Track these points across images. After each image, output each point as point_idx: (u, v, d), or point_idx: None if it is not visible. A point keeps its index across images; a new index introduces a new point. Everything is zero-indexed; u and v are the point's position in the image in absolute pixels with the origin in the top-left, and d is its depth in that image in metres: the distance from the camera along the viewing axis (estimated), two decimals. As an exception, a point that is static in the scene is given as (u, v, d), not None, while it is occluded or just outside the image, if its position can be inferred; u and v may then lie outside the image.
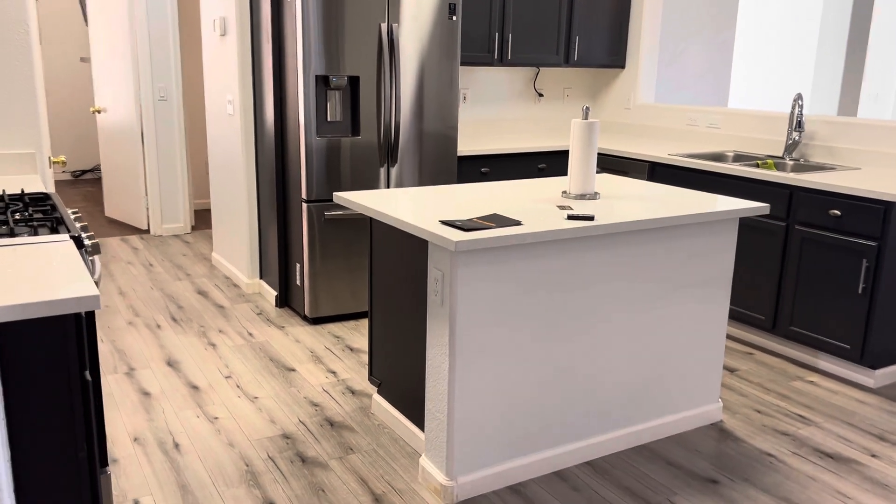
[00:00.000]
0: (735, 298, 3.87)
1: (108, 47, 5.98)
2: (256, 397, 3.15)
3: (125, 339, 3.75)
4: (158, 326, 3.94)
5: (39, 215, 2.23)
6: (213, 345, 3.71)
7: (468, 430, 2.39)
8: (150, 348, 3.64)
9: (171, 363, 3.47)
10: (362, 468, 2.62)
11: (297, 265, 4.06)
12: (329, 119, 3.85)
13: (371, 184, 3.99)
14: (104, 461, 2.18)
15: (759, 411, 3.12)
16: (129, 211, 6.20)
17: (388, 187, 4.07)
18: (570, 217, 2.46)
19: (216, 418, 2.96)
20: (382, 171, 4.01)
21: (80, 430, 1.63)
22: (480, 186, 3.05)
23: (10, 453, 1.55)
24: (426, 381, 2.50)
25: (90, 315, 2.05)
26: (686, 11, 5.46)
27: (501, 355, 2.40)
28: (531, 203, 2.72)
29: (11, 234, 1.98)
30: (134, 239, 5.81)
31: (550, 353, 2.50)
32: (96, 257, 2.14)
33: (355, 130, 3.91)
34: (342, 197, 2.77)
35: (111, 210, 6.47)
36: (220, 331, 3.90)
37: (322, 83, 3.78)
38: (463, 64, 4.56)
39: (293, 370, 3.43)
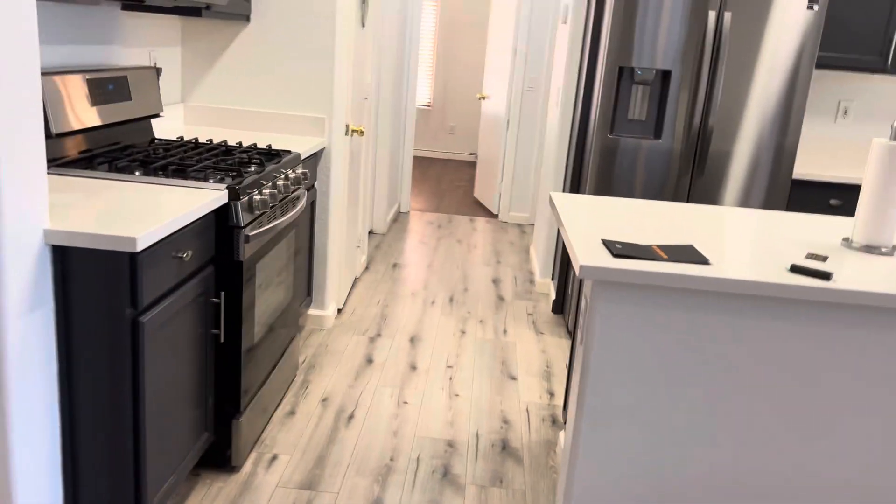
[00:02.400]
0: None
1: (499, 36, 6.28)
2: (457, 395, 2.98)
3: (396, 307, 3.91)
4: (432, 303, 4.01)
5: (234, 166, 2.37)
6: (464, 332, 3.64)
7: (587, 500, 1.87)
8: (408, 321, 3.72)
9: (413, 339, 3.50)
10: (495, 507, 2.28)
11: (573, 273, 3.73)
12: (629, 117, 3.40)
13: (667, 194, 3.43)
14: (236, 409, 2.26)
15: None
16: (488, 195, 6.48)
17: (688, 200, 3.45)
18: (795, 269, 1.71)
19: (405, 403, 2.88)
20: (684, 181, 3.41)
21: (127, 372, 1.68)
22: (725, 212, 2.35)
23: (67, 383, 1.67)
24: (564, 431, 2.03)
25: (234, 271, 2.13)
26: None
27: (645, 429, 1.81)
28: (780, 243, 1.98)
29: (182, 176, 2.14)
30: (481, 221, 6.05)
31: (710, 442, 1.80)
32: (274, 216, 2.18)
33: (658, 132, 3.39)
34: (551, 197, 2.40)
35: (478, 191, 6.86)
36: (480, 321, 3.80)
37: (627, 76, 3.35)
38: (835, 68, 3.61)
39: (514, 379, 3.16)
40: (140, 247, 1.58)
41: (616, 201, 2.38)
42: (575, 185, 3.83)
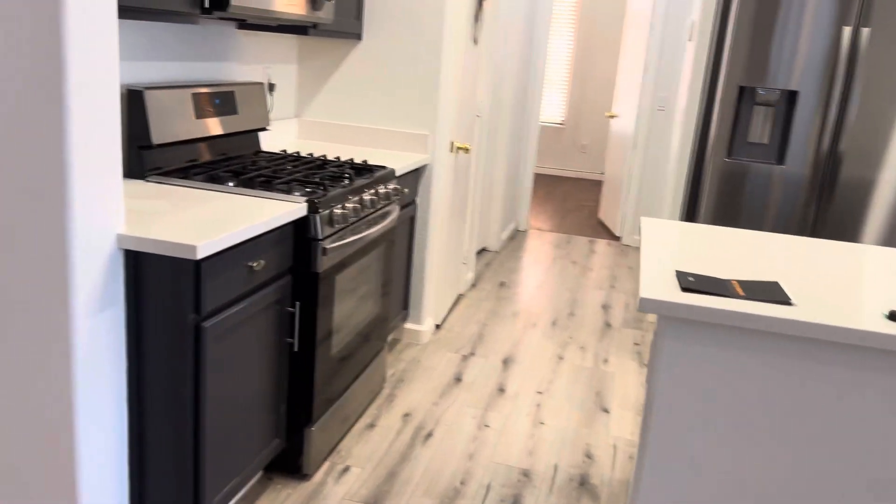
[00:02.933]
0: None
1: (632, 53, 6.10)
2: (543, 423, 2.88)
3: (496, 326, 3.85)
4: (534, 325, 3.92)
5: (322, 179, 2.42)
6: (561, 358, 3.52)
7: (652, 560, 1.73)
8: (505, 342, 3.66)
9: (507, 361, 3.43)
10: (562, 545, 2.16)
11: (683, 302, 3.51)
12: (749, 140, 3.17)
13: (790, 224, 3.16)
14: (308, 418, 2.31)
15: None
16: (612, 216, 6.28)
17: (813, 232, 3.16)
18: (894, 317, 1.50)
19: (486, 426, 2.82)
20: (809, 211, 3.12)
21: (189, 374, 1.75)
22: (835, 246, 2.11)
23: (136, 387, 1.77)
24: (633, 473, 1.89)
25: (311, 282, 2.17)
26: None
27: (711, 480, 1.64)
28: (889, 285, 1.76)
29: (267, 188, 2.21)
30: (601, 243, 5.87)
31: (782, 501, 1.60)
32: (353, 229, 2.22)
33: (780, 157, 3.13)
34: (642, 222, 2.27)
35: (602, 212, 6.67)
36: (581, 347, 3.67)
37: (748, 96, 3.12)
38: None
39: (607, 412, 3.01)
40: (200, 255, 1.64)
41: (711, 230, 2.21)
42: (690, 210, 3.62)
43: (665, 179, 5.72)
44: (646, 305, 1.54)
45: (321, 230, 2.17)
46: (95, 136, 1.53)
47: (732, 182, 3.18)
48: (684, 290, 1.60)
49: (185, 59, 2.54)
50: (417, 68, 3.24)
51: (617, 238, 6.06)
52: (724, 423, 1.61)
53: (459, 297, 4.26)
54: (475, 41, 3.65)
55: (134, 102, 2.20)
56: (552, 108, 9.04)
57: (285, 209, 2.02)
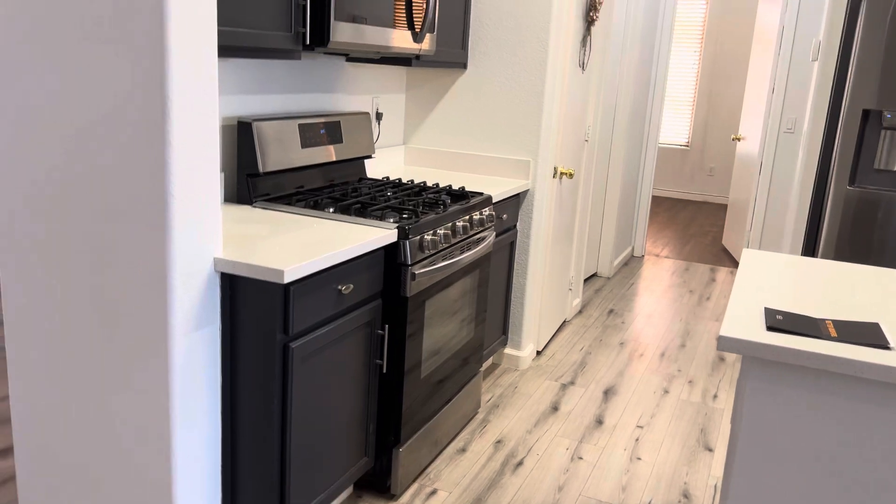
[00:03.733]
0: None
1: (758, 73, 5.83)
2: (640, 458, 2.79)
3: (599, 355, 3.78)
4: (640, 355, 3.81)
5: (416, 206, 2.48)
6: (667, 391, 3.39)
7: None
8: (608, 372, 3.58)
9: (608, 392, 3.35)
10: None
11: (801, 338, 3.30)
12: (875, 167, 2.95)
13: (922, 260, 2.91)
14: (397, 439, 2.36)
15: None
16: (736, 243, 6.00)
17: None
18: None
19: (580, 458, 2.76)
20: (945, 246, 2.86)
21: (276, 392, 1.85)
22: None
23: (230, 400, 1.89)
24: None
25: (400, 306, 2.24)
26: None
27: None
28: None
29: (362, 215, 2.30)
30: (723, 272, 5.62)
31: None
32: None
33: (911, 185, 2.89)
34: (743, 254, 2.16)
35: (726, 239, 6.38)
36: (689, 381, 3.52)
37: (874, 120, 2.92)
38: None
39: (710, 450, 2.87)
40: (287, 279, 1.73)
41: (815, 263, 2.08)
42: (811, 241, 3.41)
43: (789, 204, 5.40)
44: (725, 344, 1.48)
45: (410, 256, 2.23)
46: (195, 168, 1.66)
47: (855, 211, 2.97)
48: (770, 329, 1.52)
49: (295, 90, 2.70)
50: (521, 96, 3.27)
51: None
52: (808, 469, 1.51)
53: (564, 324, 4.21)
54: (583, 67, 3.63)
55: (243, 133, 2.36)
56: (676, 129, 8.78)
57: (376, 235, 2.10)
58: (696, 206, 8.48)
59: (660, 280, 5.27)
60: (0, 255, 1.85)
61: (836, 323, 1.57)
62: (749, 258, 2.11)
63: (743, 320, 1.56)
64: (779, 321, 1.55)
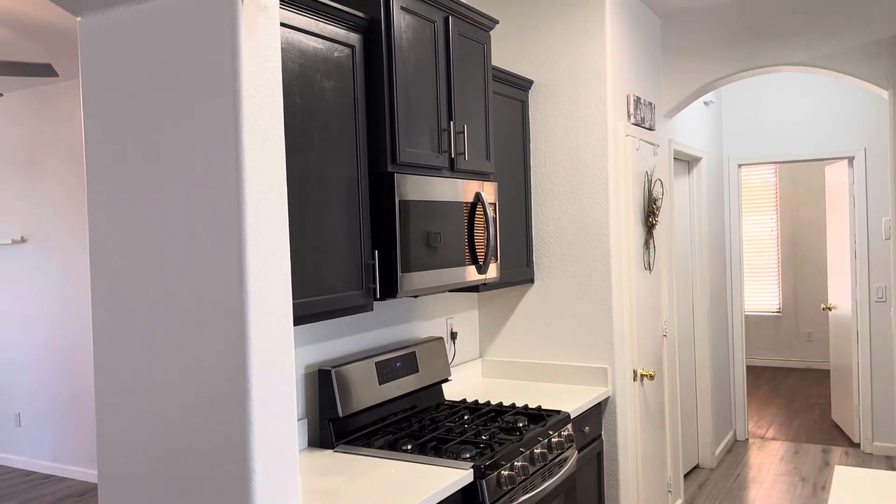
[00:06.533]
0: None
1: (837, 239, 5.75)
2: None
3: (710, 566, 3.50)
4: (755, 563, 3.51)
5: (493, 436, 2.50)
6: None
7: None
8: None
9: None
10: None
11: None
12: (973, 349, 2.81)
13: None
14: None
15: None
16: (846, 418, 5.62)
17: None
18: None
19: None
20: None
21: None
22: None
23: None
24: None
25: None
26: None
27: None
28: None
29: (438, 454, 2.34)
30: (836, 452, 5.23)
31: None
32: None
33: None
34: (839, 470, 2.06)
35: (835, 412, 5.99)
36: None
37: (960, 301, 2.82)
38: None
39: None
40: (364, 543, 1.76)
41: (918, 481, 1.95)
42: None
43: (894, 376, 5.09)
44: None
45: (489, 496, 2.22)
46: (276, 418, 1.77)
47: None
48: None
49: (369, 329, 2.87)
50: (589, 305, 3.34)
51: (855, 445, 5.38)
52: None
53: (667, 530, 3.97)
54: (649, 268, 3.71)
55: (323, 381, 2.50)
56: (765, 296, 8.60)
57: (453, 479, 2.12)
58: (798, 373, 8.08)
59: (767, 467, 4.94)
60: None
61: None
62: (842, 476, 2.01)
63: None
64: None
